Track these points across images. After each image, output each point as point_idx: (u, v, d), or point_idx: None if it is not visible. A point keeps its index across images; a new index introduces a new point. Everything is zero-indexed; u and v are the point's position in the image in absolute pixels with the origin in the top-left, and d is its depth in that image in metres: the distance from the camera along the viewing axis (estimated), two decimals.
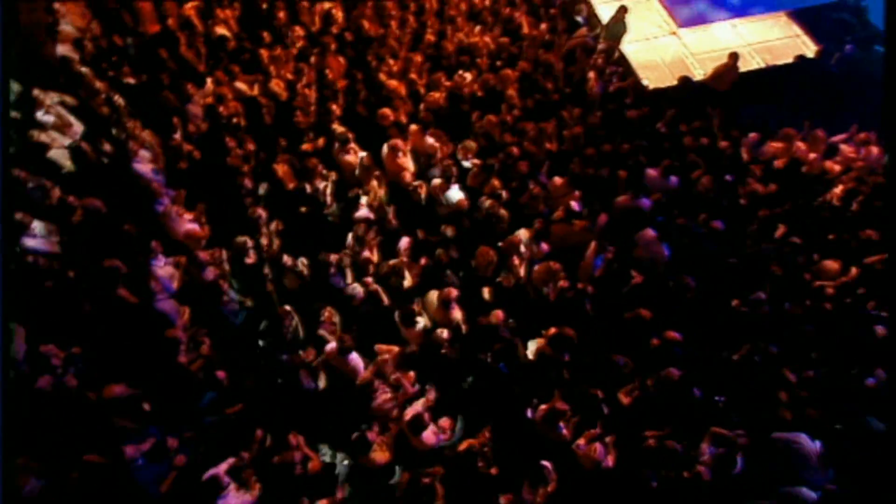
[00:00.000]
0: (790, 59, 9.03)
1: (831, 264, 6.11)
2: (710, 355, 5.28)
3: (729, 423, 4.80)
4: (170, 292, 4.73)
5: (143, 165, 5.47)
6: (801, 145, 7.42)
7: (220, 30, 7.30)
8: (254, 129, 6.33)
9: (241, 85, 6.62)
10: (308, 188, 5.63)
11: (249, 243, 5.09)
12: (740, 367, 5.18)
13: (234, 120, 6.24)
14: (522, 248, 5.24)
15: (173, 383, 4.51)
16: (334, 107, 6.49)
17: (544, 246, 5.42)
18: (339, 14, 7.67)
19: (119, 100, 5.74)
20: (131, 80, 6.37)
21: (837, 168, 7.24)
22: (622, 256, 5.50)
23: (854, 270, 6.08)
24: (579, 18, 8.16)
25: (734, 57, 7.91)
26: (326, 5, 7.66)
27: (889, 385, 4.98)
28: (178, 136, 5.83)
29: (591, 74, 7.26)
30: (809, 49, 9.27)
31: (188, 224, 5.20)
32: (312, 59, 7.05)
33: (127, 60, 6.53)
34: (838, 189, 7.03)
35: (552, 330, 4.64)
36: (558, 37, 7.76)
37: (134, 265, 4.62)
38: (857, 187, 6.91)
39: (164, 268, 4.76)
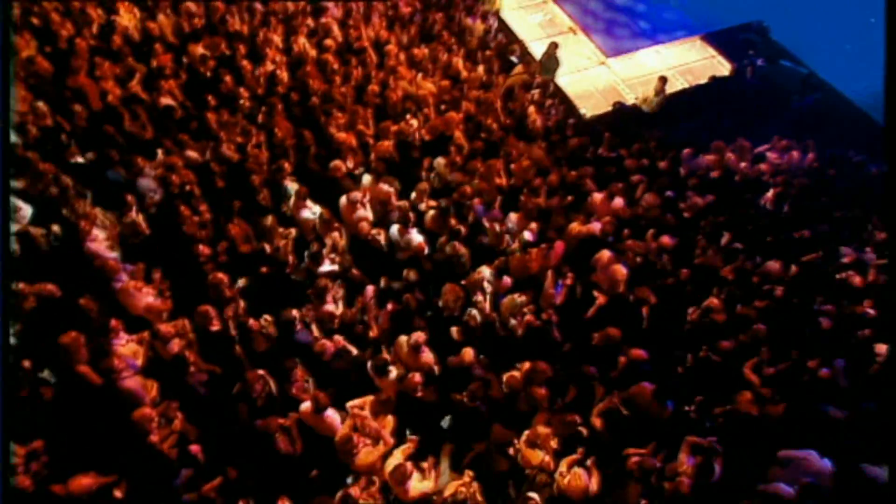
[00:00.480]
0: (708, 75, 9.60)
1: (773, 265, 6.34)
2: (675, 366, 5.37)
3: (702, 430, 4.88)
4: (135, 369, 4.52)
5: (97, 244, 5.29)
6: (731, 156, 7.80)
7: (166, 100, 7.22)
8: (208, 195, 6.21)
9: (191, 153, 6.53)
10: (268, 248, 5.54)
11: (212, 311, 4.93)
12: (704, 373, 5.30)
13: (188, 188, 6.13)
14: (486, 285, 5.25)
15: (146, 465, 4.27)
16: (286, 164, 6.45)
17: (507, 280, 5.46)
18: (283, 74, 7.71)
19: (67, 180, 5.56)
20: (79, 159, 6.20)
21: (766, 174, 7.58)
22: (583, 281, 5.60)
23: (794, 268, 6.36)
24: (513, 58, 8.43)
25: (663, 80, 8.33)
26: (270, 67, 7.71)
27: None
28: (131, 210, 5.65)
29: (532, 109, 7.49)
30: (725, 68, 9.87)
31: (148, 298, 5.01)
32: (261, 120, 7.06)
33: (73, 140, 6.35)
34: (770, 193, 7.38)
35: (526, 365, 4.63)
36: (496, 77, 7.99)
37: (95, 346, 4.41)
38: (787, 190, 7.28)
39: (126, 346, 4.56)
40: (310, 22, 8.55)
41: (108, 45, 7.62)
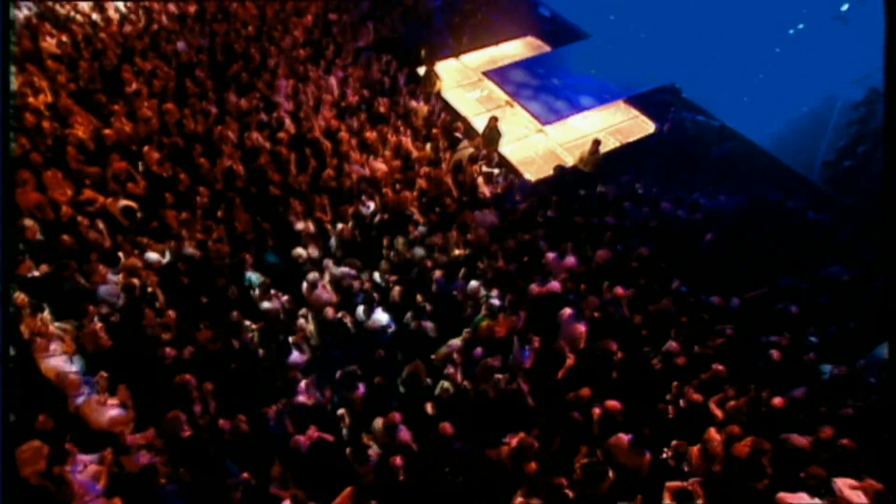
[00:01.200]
0: (637, 136, 10.19)
1: (715, 299, 6.55)
2: (646, 413, 5.35)
3: (679, 473, 4.82)
4: (96, 493, 4.15)
5: (55, 359, 4.98)
6: (666, 205, 8.16)
7: (124, 202, 7.09)
8: (171, 295, 6.01)
9: (152, 254, 6.37)
10: (235, 343, 5.33)
11: (182, 417, 4.65)
12: (675, 417, 5.30)
13: (150, 290, 5.92)
14: (455, 356, 5.18)
15: None
16: (248, 256, 6.34)
17: (478, 350, 5.40)
18: (240, 168, 7.73)
19: (22, 298, 5.28)
20: (35, 273, 5.92)
21: (701, 219, 7.94)
22: (549, 341, 5.60)
23: (737, 302, 6.58)
24: (458, 135, 8.74)
25: (596, 143, 8.78)
26: (227, 162, 7.72)
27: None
28: (91, 320, 5.39)
29: (480, 180, 7.70)
30: (649, 125, 10.49)
31: (112, 411, 4.70)
32: (220, 214, 6.99)
33: (28, 254, 6.09)
34: (707, 237, 7.70)
35: (514, 441, 4.50)
36: (444, 153, 8.23)
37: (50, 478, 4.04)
38: (721, 233, 7.62)
39: (84, 471, 4.20)
40: (263, 116, 8.70)
41: (62, 157, 7.51)
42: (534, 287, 6.19)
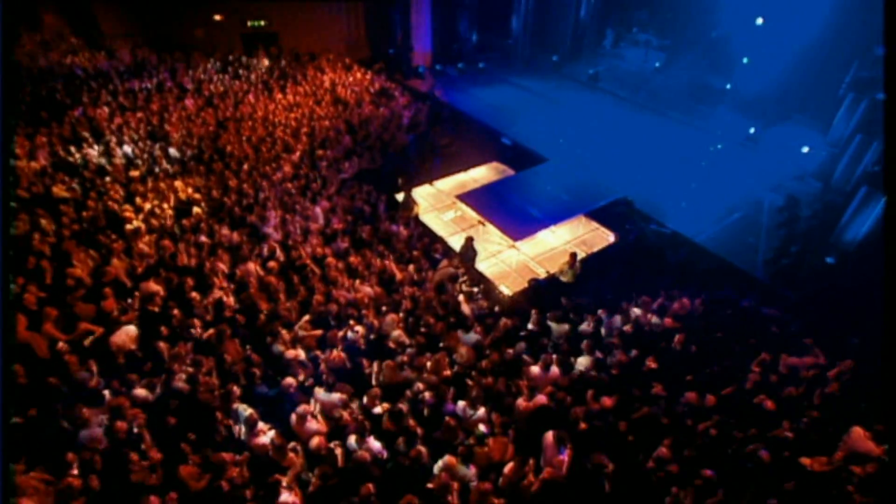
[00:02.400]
0: (600, 246, 10.56)
1: (691, 395, 6.42)
2: None
3: None
4: None
5: None
6: (636, 310, 8.25)
7: (117, 339, 6.79)
8: (158, 435, 5.56)
9: (140, 391, 5.98)
10: (224, 486, 4.87)
11: None
12: None
13: (136, 430, 5.48)
14: (452, 483, 4.81)
15: None
16: (235, 388, 6.01)
17: (472, 469, 5.05)
18: (230, 300, 7.60)
19: None
20: (16, 420, 5.46)
21: (669, 322, 8.01)
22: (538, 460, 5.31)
23: (712, 399, 6.46)
24: (437, 255, 8.89)
25: (573, 256, 9.04)
26: (218, 294, 7.60)
27: None
28: (69, 471, 4.89)
29: (462, 298, 7.71)
30: (610, 236, 10.92)
31: None
32: (211, 346, 6.73)
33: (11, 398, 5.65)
34: (676, 338, 7.73)
35: None
36: (426, 273, 8.30)
37: None
38: (689, 335, 7.67)
39: None
40: (254, 247, 8.75)
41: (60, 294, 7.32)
42: (521, 402, 5.97)
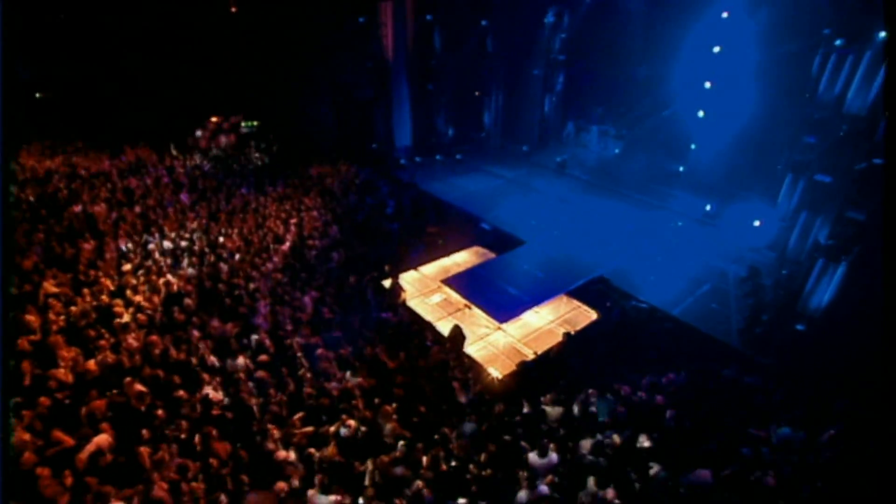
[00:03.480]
0: (583, 324, 10.48)
1: (704, 474, 6.09)
2: None
3: None
4: None
5: None
6: (626, 389, 8.04)
7: (92, 447, 6.19)
8: None
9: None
10: None
11: None
12: None
13: None
14: None
15: None
16: (223, 497, 5.46)
17: None
18: (217, 394, 7.14)
19: None
20: None
21: (661, 398, 7.79)
22: None
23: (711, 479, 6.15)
24: (428, 343, 8.65)
25: (567, 335, 8.90)
26: (206, 390, 7.15)
27: None
28: None
29: (455, 385, 7.41)
30: (591, 314, 10.89)
31: None
32: (197, 449, 6.20)
33: None
34: (668, 414, 7.49)
35: None
36: (416, 361, 8.01)
37: None
38: (680, 410, 7.45)
39: None
40: (243, 340, 8.41)
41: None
42: (522, 495, 5.55)
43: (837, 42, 10.63)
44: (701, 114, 17.78)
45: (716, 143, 17.05)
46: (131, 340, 8.13)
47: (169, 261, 11.01)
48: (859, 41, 9.43)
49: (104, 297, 9.15)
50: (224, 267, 10.76)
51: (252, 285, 9.96)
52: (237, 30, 17.76)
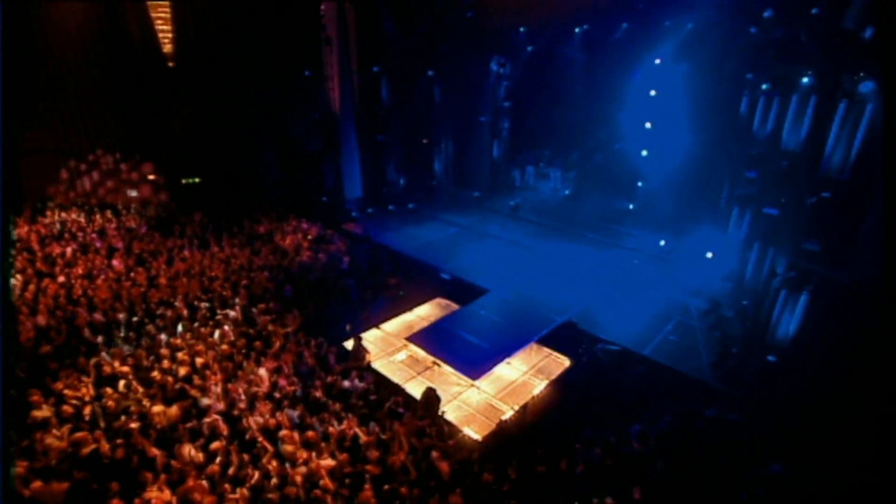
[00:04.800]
0: (558, 373, 10.33)
1: None
2: None
3: None
4: None
5: None
6: (611, 438, 7.85)
7: None
8: None
9: None
10: None
11: None
12: None
13: None
14: None
15: None
16: None
17: None
18: (164, 494, 6.29)
19: None
20: None
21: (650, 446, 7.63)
22: None
23: None
24: (400, 410, 8.16)
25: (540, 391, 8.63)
26: (150, 493, 6.29)
27: None
28: None
29: (435, 455, 6.93)
30: (564, 360, 10.78)
31: None
32: None
33: None
34: (659, 464, 7.33)
35: None
36: (391, 432, 7.48)
37: None
38: (669, 457, 7.31)
39: None
40: (193, 424, 7.58)
41: None
42: None
43: (764, 86, 11.65)
44: (644, 153, 18.87)
45: (661, 180, 18.08)
46: (52, 440, 7.11)
47: (100, 338, 9.98)
48: (784, 85, 10.36)
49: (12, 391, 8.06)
50: (164, 338, 9.89)
51: (199, 360, 9.14)
52: (174, 86, 17.31)
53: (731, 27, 13.86)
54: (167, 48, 17.99)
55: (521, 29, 20.60)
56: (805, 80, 9.35)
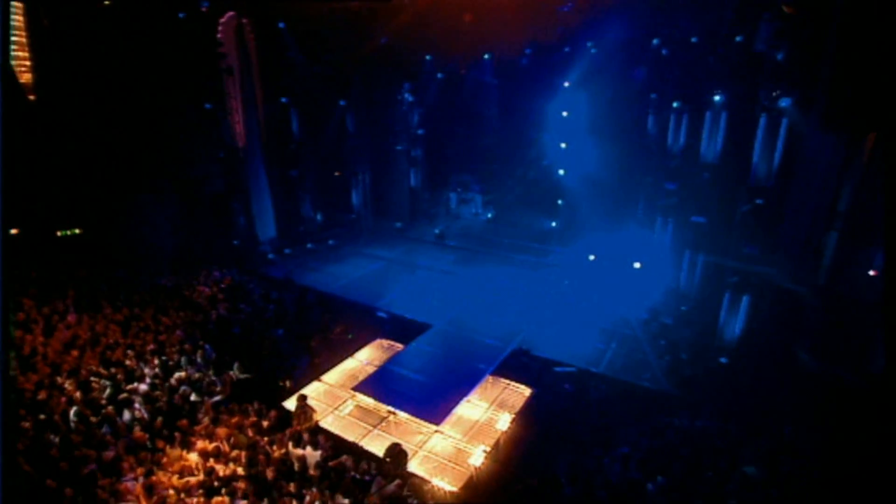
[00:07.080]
0: (522, 403, 10.03)
1: None
2: None
3: None
4: None
5: None
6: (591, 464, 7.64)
7: None
8: None
9: None
10: None
11: None
12: None
13: None
14: None
15: None
16: None
17: None
18: None
19: None
20: None
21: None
22: None
23: None
24: (367, 478, 7.31)
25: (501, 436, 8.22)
26: None
27: None
28: None
29: None
30: (524, 390, 10.52)
31: None
32: None
33: None
34: (650, 487, 7.23)
35: None
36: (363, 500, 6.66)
37: None
38: (654, 476, 7.25)
39: None
40: None
41: None
42: None
43: (674, 104, 12.66)
44: (562, 172, 19.77)
45: (580, 197, 18.98)
46: None
47: None
48: (695, 102, 11.32)
49: None
50: (53, 438, 8.13)
51: (108, 453, 7.59)
52: (43, 122, 15.04)
53: (633, 52, 15.04)
54: (25, 77, 15.74)
55: (427, 57, 20.89)
56: (717, 97, 10.25)
